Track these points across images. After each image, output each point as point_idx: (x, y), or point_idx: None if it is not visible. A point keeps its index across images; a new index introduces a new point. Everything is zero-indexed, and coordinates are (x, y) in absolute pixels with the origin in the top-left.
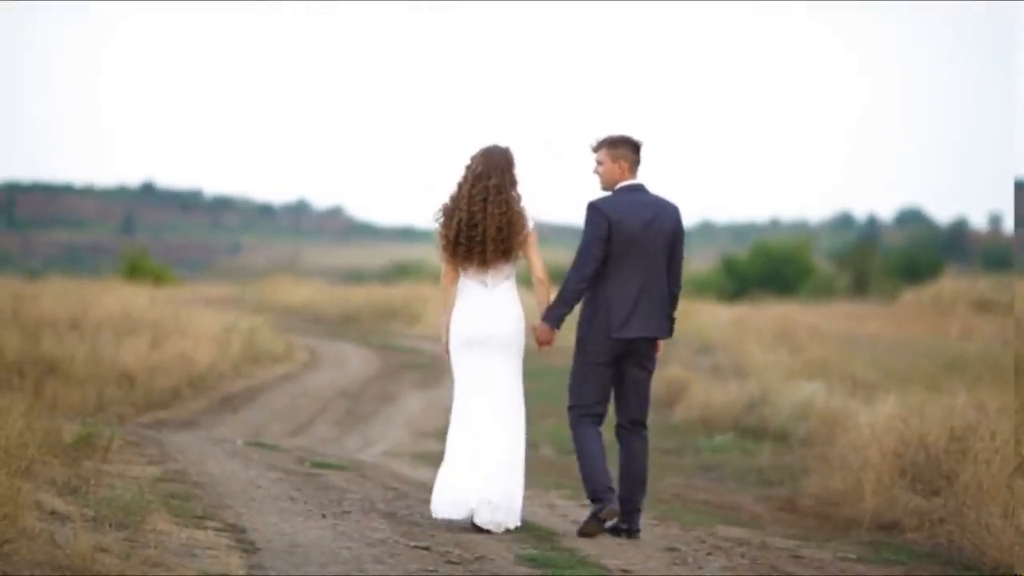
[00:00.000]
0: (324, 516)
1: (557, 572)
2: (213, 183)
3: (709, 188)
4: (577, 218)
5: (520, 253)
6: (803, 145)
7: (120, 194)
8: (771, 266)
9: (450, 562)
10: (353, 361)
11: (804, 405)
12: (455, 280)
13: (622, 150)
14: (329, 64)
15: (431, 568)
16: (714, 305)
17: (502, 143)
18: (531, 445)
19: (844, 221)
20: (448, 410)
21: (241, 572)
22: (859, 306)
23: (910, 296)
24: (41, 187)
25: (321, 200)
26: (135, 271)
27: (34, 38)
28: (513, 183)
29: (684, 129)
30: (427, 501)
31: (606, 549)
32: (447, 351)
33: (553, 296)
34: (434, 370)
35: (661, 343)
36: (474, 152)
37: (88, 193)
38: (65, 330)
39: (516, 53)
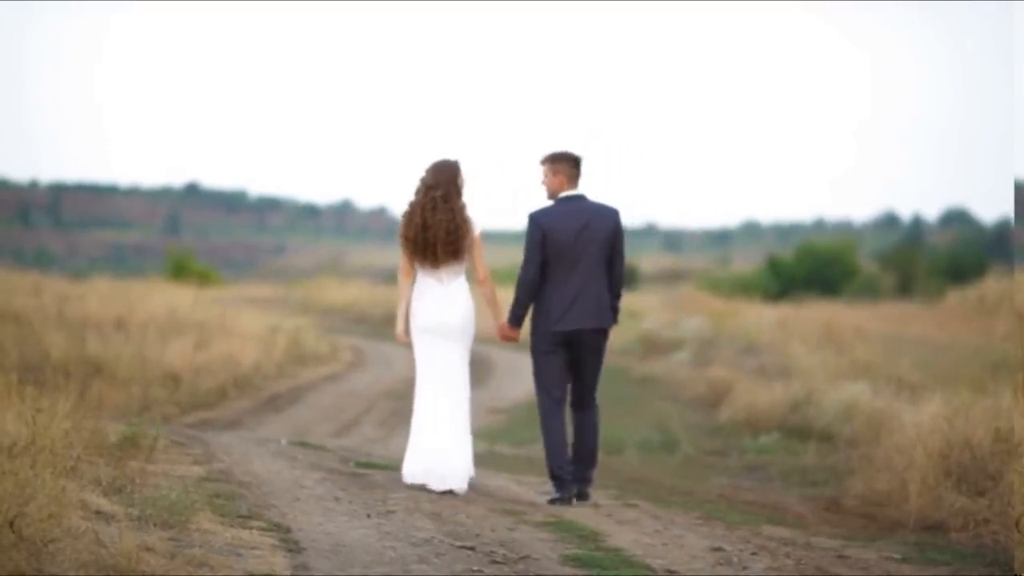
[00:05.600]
0: (369, 516)
1: (602, 572)
2: (258, 184)
3: (754, 189)
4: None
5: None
6: (848, 146)
7: (165, 195)
8: (816, 266)
9: (495, 562)
10: (398, 361)
11: (849, 406)
12: (411, 275)
13: (561, 164)
14: (375, 65)
15: (476, 568)
16: (759, 305)
17: (451, 157)
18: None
19: (889, 221)
20: (491, 409)
21: (286, 572)
22: (904, 307)
23: (955, 297)
24: (86, 187)
25: (365, 200)
26: (180, 271)
27: (78, 38)
28: (459, 193)
29: (730, 131)
30: (472, 501)
31: (651, 549)
32: (405, 336)
33: (496, 294)
34: (478, 371)
35: (610, 330)
36: (427, 165)
37: (133, 193)
38: (110, 330)
39: (566, 58)
